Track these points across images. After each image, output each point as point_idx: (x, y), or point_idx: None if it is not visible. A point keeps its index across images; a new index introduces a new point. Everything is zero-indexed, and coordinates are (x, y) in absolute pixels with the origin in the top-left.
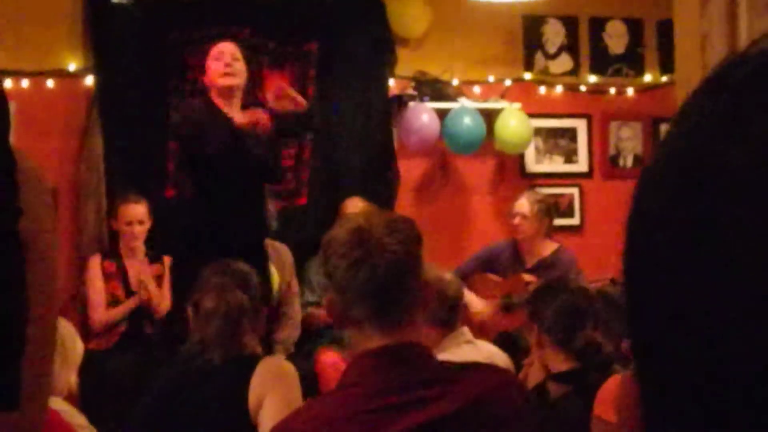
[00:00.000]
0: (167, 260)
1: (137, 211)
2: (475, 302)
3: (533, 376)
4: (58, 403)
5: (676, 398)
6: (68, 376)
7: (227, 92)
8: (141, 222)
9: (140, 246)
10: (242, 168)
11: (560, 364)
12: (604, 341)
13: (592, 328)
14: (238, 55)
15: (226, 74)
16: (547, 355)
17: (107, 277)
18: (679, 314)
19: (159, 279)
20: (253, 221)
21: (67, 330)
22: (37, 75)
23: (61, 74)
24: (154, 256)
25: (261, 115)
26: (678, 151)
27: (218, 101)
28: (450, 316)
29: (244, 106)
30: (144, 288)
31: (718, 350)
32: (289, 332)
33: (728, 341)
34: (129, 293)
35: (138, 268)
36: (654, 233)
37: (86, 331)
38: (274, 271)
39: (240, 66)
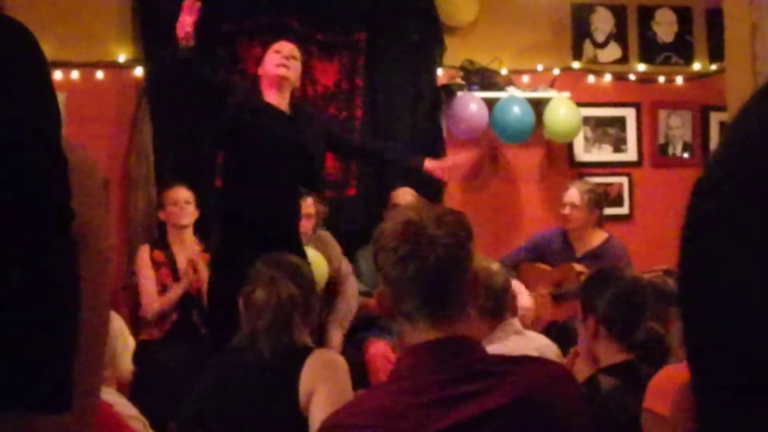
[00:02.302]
0: None
1: (184, 193)
2: (523, 300)
3: (580, 368)
4: (111, 395)
5: (733, 400)
6: (128, 362)
7: (277, 84)
8: (188, 202)
9: (189, 233)
10: (280, 152)
11: (613, 356)
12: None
13: (652, 319)
14: (296, 54)
15: (281, 65)
16: (601, 347)
17: (156, 266)
18: (740, 316)
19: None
20: (289, 209)
21: (122, 322)
22: (87, 66)
23: (110, 65)
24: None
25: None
26: (737, 154)
27: (267, 91)
28: (498, 306)
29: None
30: (194, 268)
31: None
32: (346, 306)
33: None
34: (178, 281)
35: (187, 255)
36: (714, 235)
37: (136, 322)
38: (323, 260)
39: (295, 64)
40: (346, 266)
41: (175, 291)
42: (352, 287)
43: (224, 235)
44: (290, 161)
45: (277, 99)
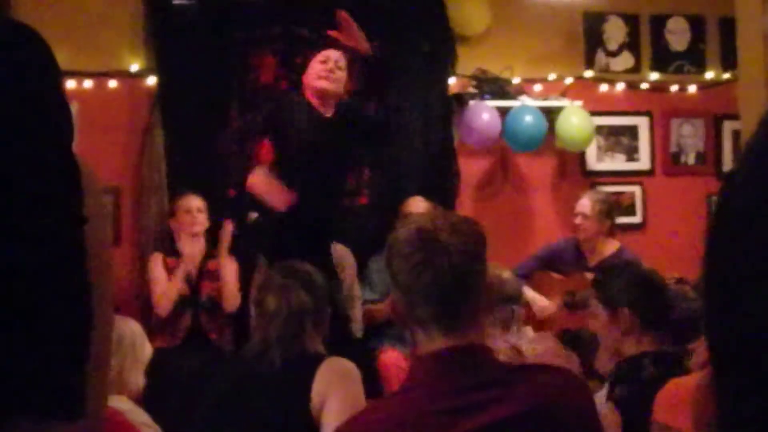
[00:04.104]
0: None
1: (196, 201)
2: (539, 300)
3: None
4: (122, 402)
5: (756, 405)
6: (137, 377)
7: (321, 95)
8: (200, 210)
9: (200, 239)
10: (325, 162)
11: (645, 347)
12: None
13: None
14: (342, 64)
15: (324, 78)
16: (631, 341)
17: (170, 272)
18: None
19: (213, 273)
20: (326, 222)
21: (138, 332)
22: (100, 75)
23: (123, 75)
24: (213, 253)
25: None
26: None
27: (312, 100)
28: (509, 315)
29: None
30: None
31: None
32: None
33: None
34: (191, 288)
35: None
36: (740, 240)
37: (150, 331)
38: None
39: (340, 74)
40: (356, 289)
41: (179, 273)
42: (358, 315)
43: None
44: (334, 166)
45: (322, 107)
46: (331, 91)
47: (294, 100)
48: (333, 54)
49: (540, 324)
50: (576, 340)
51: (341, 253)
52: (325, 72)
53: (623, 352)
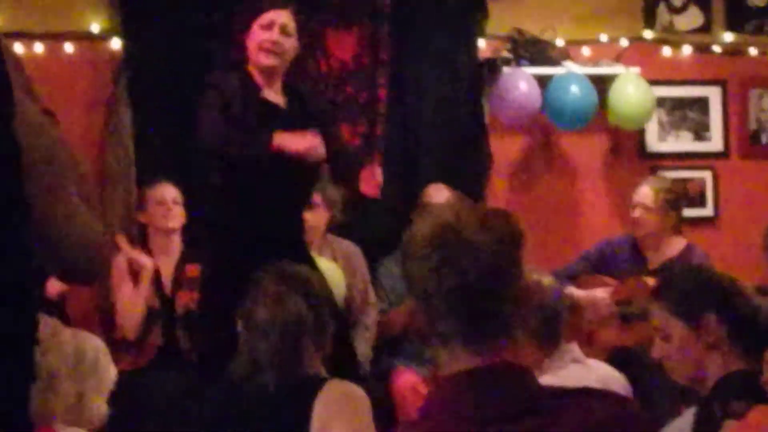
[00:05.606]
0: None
1: (171, 192)
2: (592, 295)
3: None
4: None
5: None
6: (100, 404)
7: (266, 71)
8: (176, 202)
9: (176, 240)
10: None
11: (732, 365)
12: None
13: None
14: (291, 29)
15: (270, 51)
16: (717, 356)
17: (136, 278)
18: None
19: (192, 280)
20: (288, 218)
21: (101, 350)
22: (54, 38)
23: (82, 37)
24: (192, 254)
25: (314, 141)
26: None
27: (256, 76)
28: (550, 329)
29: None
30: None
31: None
32: (365, 347)
33: None
34: (163, 298)
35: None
36: None
37: (113, 349)
38: (339, 274)
39: (289, 43)
40: (371, 295)
41: (143, 281)
42: (374, 325)
43: (218, 250)
44: (290, 164)
45: (268, 86)
46: (277, 68)
47: (234, 87)
48: (279, 16)
49: (588, 340)
50: (631, 360)
51: (350, 253)
52: (270, 43)
53: (709, 371)
